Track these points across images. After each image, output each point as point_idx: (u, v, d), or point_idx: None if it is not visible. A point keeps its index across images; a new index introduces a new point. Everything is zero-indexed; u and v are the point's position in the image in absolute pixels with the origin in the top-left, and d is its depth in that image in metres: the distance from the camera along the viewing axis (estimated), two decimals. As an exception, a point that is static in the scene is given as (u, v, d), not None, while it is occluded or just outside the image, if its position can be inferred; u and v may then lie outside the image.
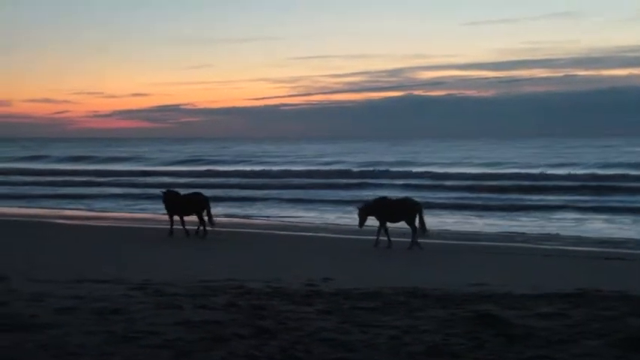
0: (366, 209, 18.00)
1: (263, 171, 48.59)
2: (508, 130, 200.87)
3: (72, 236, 19.58)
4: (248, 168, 52.17)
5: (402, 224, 17.79)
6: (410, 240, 17.56)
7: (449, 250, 17.67)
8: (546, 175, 42.12)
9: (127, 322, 7.59)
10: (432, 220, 25.33)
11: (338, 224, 18.78)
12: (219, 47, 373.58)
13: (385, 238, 17.61)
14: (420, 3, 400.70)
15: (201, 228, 19.33)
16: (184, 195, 20.04)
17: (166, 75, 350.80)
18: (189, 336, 7.02)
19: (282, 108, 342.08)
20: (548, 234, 21.58)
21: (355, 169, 48.83)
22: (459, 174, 43.94)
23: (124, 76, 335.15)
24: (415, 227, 17.54)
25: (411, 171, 46.77)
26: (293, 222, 19.15)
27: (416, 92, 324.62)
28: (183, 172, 49.75)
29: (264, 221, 24.94)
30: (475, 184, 37.79)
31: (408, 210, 17.72)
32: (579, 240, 20.25)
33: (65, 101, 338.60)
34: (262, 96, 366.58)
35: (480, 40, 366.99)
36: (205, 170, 50.27)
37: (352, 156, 75.37)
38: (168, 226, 19.46)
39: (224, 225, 23.42)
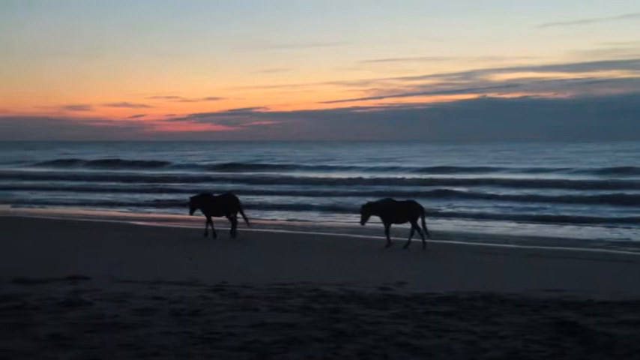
0: (370, 208, 18.53)
1: (336, 179, 47.75)
2: (587, 133, 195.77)
3: (149, 237, 20.01)
4: (334, 175, 51.32)
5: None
6: (407, 239, 17.97)
7: (525, 254, 17.32)
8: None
9: (205, 324, 7.70)
10: (511, 224, 25.07)
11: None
12: (292, 51, 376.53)
13: (392, 238, 18.21)
14: (493, 5, 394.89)
15: (234, 229, 19.99)
16: (217, 196, 20.78)
17: (240, 79, 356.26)
18: (266, 338, 7.08)
19: (353, 111, 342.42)
20: (630, 239, 20.93)
21: (433, 176, 47.36)
22: (539, 180, 42.38)
23: (199, 80, 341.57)
24: (419, 229, 17.93)
25: (486, 177, 45.38)
26: (365, 226, 19.10)
27: (490, 95, 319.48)
28: (279, 180, 47.71)
29: (336, 224, 24.98)
30: (553, 194, 35.26)
31: (411, 212, 18.10)
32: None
33: (142, 105, 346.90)
34: (334, 99, 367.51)
35: (556, 41, 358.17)
36: (301, 177, 48.99)
37: (426, 160, 74.55)
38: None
39: (296, 228, 23.62)
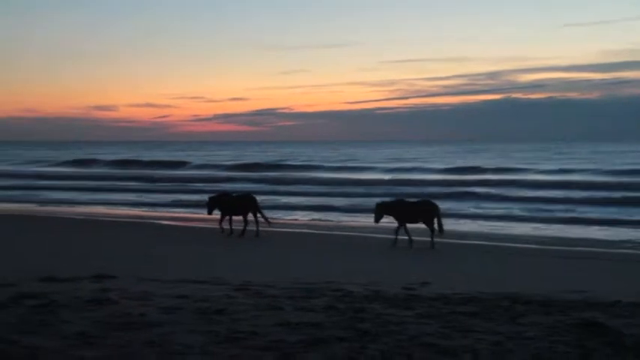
0: (384, 207, 18.79)
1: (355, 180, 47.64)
2: (614, 134, 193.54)
3: (173, 236, 20.13)
4: (358, 176, 50.75)
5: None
6: (430, 240, 18.00)
7: (550, 255, 17.17)
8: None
9: (229, 323, 7.73)
10: (536, 225, 24.87)
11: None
12: (316, 52, 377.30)
13: (406, 238, 18.21)
14: (519, 5, 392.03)
15: (254, 228, 20.13)
16: (235, 196, 21.01)
17: (264, 80, 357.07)
18: (290, 337, 7.08)
19: (378, 112, 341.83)
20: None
21: (458, 177, 46.91)
22: (565, 181, 41.85)
23: (223, 81, 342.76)
24: (433, 228, 18.03)
25: (512, 178, 44.85)
26: (387, 226, 19.11)
27: (515, 95, 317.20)
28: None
29: (359, 224, 24.93)
30: (579, 195, 34.37)
31: (425, 211, 18.24)
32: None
33: (167, 105, 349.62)
34: (358, 100, 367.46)
35: (582, 41, 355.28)
36: (324, 178, 48.68)
37: (450, 161, 74.11)
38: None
39: (320, 227, 23.62)
